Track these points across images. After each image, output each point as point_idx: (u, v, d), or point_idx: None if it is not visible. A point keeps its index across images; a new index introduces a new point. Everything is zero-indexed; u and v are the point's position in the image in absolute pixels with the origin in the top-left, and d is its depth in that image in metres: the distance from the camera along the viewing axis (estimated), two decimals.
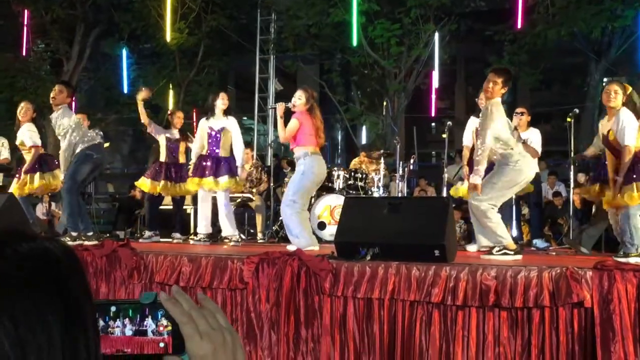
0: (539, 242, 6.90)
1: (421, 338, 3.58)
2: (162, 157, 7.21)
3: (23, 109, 6.77)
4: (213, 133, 6.54)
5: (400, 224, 4.03)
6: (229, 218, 6.40)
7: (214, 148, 6.51)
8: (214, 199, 6.56)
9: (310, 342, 3.80)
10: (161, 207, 7.56)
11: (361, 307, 3.71)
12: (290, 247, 4.98)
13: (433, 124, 27.01)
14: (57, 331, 0.64)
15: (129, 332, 0.89)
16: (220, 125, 6.52)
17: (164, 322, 0.88)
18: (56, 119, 6.05)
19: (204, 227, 6.53)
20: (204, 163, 6.44)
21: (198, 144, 6.60)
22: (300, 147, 5.55)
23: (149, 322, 0.88)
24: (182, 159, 7.32)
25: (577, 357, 3.32)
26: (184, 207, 8.92)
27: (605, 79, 15.52)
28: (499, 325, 3.47)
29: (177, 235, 7.29)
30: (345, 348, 3.73)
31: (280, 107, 5.61)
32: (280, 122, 5.60)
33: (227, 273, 4.01)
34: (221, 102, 6.56)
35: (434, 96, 15.14)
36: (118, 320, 0.88)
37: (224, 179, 6.40)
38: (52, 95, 6.15)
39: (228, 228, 6.39)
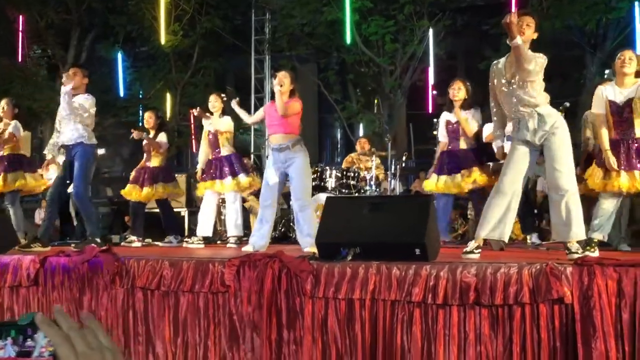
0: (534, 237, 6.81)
1: (403, 338, 3.55)
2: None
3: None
4: (210, 135, 6.73)
5: (381, 223, 3.99)
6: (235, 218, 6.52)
7: (215, 149, 6.70)
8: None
9: (292, 344, 3.78)
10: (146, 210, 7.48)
11: (342, 308, 3.68)
12: (309, 249, 5.03)
13: (435, 120, 26.92)
14: None
15: (12, 353, 0.87)
16: (213, 127, 6.71)
17: (46, 343, 0.86)
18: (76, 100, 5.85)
19: (204, 229, 6.54)
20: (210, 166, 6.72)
21: (204, 148, 6.90)
22: (295, 135, 5.39)
23: (32, 343, 0.87)
24: (156, 162, 7.28)
25: (559, 353, 3.28)
26: (178, 209, 8.85)
27: (606, 71, 15.41)
28: (480, 323, 3.42)
29: (171, 238, 7.12)
30: (327, 349, 3.70)
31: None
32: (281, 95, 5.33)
33: (209, 276, 3.99)
34: (209, 104, 6.73)
35: (430, 92, 15.07)
36: (0, 341, 0.86)
37: (229, 181, 6.49)
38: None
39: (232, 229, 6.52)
